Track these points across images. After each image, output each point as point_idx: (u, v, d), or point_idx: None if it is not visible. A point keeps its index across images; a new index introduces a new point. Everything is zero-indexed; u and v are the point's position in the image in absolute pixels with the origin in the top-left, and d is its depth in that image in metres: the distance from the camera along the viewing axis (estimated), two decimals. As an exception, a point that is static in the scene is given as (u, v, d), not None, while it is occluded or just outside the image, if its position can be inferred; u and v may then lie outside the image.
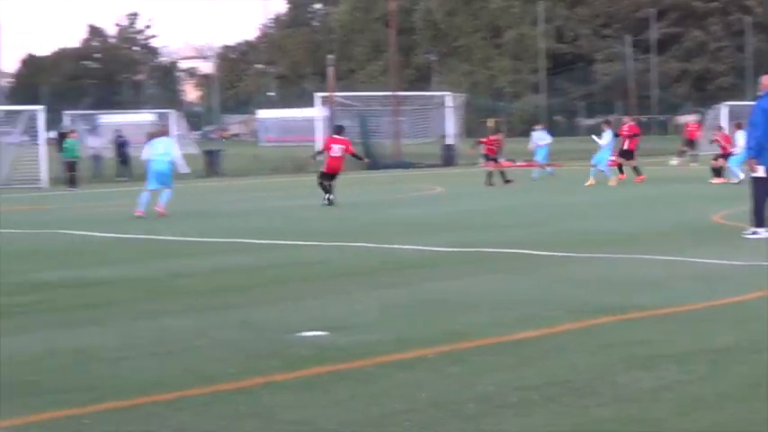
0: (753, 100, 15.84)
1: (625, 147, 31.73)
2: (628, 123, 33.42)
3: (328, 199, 23.48)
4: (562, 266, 12.68)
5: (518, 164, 39.98)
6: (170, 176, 21.86)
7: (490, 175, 30.89)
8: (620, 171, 31.08)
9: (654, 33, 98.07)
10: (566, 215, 20.37)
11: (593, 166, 30.68)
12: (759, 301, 9.77)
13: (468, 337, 8.27)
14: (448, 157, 48.54)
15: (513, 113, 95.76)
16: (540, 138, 37.13)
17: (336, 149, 24.26)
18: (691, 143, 46.13)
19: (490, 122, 52.99)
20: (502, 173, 31.41)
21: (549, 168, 36.44)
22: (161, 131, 24.64)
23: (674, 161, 44.12)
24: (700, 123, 50.29)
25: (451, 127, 51.24)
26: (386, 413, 6.23)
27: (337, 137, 24.85)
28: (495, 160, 31.88)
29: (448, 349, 7.89)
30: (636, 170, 30.90)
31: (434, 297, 10.40)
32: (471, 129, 66.14)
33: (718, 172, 29.74)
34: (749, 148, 15.47)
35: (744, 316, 9.04)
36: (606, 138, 31.10)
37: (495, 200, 25.31)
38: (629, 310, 9.30)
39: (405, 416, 6.16)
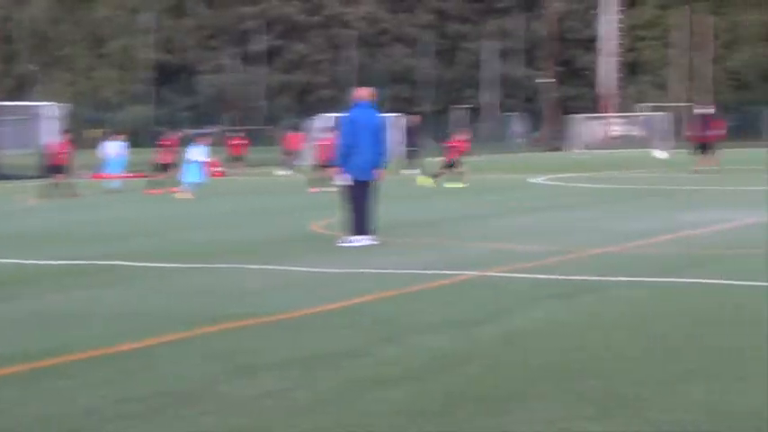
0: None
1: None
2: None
3: None
4: (164, 277, 12.68)
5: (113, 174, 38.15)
6: None
7: (56, 186, 30.26)
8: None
9: (259, 45, 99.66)
10: (168, 226, 20.34)
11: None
12: (354, 307, 10.18)
13: (71, 351, 8.13)
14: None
15: (118, 124, 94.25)
16: (113, 147, 36.48)
17: None
18: (291, 153, 47.40)
19: (94, 133, 51.88)
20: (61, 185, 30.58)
21: (116, 182, 35.44)
22: None
23: (282, 172, 45.09)
24: (302, 134, 51.66)
25: (52, 138, 49.68)
26: (-18, 434, 6.04)
27: None
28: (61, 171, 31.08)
29: (50, 364, 7.72)
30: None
31: (36, 311, 10.12)
32: (75, 140, 64.45)
33: (316, 182, 30.52)
34: (337, 157, 16.24)
35: (340, 322, 9.38)
36: (196, 152, 30.64)
37: (96, 212, 24.91)
38: (230, 319, 9.44)
39: (2, 436, 5.99)
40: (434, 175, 32.69)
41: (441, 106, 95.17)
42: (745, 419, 6.14)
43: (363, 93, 16.22)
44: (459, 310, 9.91)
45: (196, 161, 30.15)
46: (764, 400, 6.53)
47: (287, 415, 6.37)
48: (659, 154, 27.23)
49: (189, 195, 28.88)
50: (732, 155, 48.21)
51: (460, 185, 31.12)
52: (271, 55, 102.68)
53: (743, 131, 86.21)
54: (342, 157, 15.92)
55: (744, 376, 7.13)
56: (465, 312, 9.75)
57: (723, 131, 38.75)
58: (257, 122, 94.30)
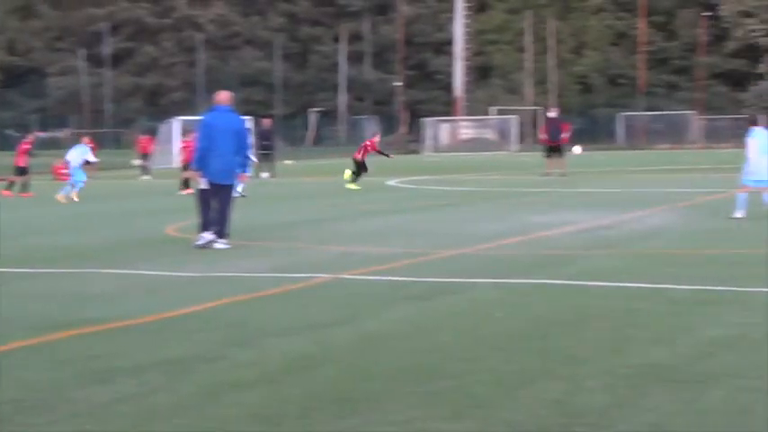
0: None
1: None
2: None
3: None
4: (16, 282, 12.39)
5: None
6: None
7: None
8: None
9: (108, 48, 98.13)
10: (21, 230, 19.88)
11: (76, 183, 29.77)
12: (209, 311, 10.11)
13: None
14: None
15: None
16: None
17: None
18: (145, 156, 46.83)
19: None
20: None
21: None
22: None
23: (146, 177, 44.58)
24: (153, 137, 51.05)
25: None
26: None
27: None
28: None
29: None
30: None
31: None
32: None
33: (186, 183, 30.11)
34: (194, 160, 16.22)
35: (195, 326, 9.31)
36: (79, 153, 30.54)
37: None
38: (82, 324, 9.28)
39: None
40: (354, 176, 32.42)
41: (294, 109, 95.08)
42: (596, 416, 6.29)
43: (222, 97, 16.21)
44: (313, 312, 9.92)
45: (81, 162, 30.03)
46: (613, 398, 6.71)
47: (143, 420, 6.29)
48: (575, 150, 27.54)
49: (75, 197, 28.65)
50: (580, 158, 49.40)
51: (356, 187, 31.01)
52: (121, 57, 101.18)
53: (589, 135, 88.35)
54: (198, 161, 15.91)
55: (592, 374, 7.30)
56: (320, 315, 9.77)
57: (569, 134, 39.61)
58: (107, 125, 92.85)
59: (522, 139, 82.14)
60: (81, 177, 29.96)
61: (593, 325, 9.14)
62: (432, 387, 6.99)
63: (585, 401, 6.60)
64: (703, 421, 6.18)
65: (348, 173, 32.23)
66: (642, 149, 77.07)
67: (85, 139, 32.37)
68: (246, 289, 11.41)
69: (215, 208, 15.67)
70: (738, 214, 18.97)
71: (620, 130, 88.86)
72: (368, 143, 33.52)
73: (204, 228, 15.65)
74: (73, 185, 29.66)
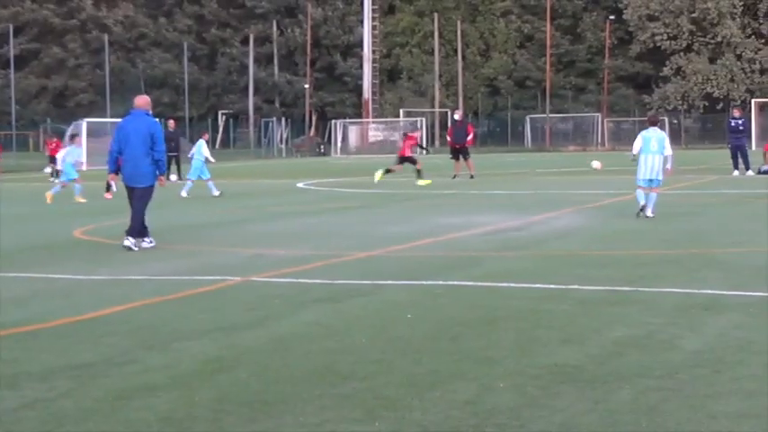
0: (114, 116, 16.47)
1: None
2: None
3: None
4: None
5: None
6: None
7: None
8: None
9: (12, 49, 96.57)
10: None
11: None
12: (118, 315, 10.01)
13: None
14: None
15: None
16: None
17: None
18: (53, 159, 46.12)
19: None
20: None
21: None
22: None
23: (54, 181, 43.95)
24: (59, 140, 50.33)
25: None
26: None
27: None
28: None
29: None
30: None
31: None
32: None
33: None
34: (108, 163, 16.58)
35: (105, 330, 9.21)
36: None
37: None
38: (-11, 330, 9.16)
39: None
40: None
41: (203, 111, 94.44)
42: (506, 417, 6.35)
43: (140, 101, 16.44)
44: (224, 315, 9.88)
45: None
46: (523, 398, 6.78)
47: (51, 426, 6.22)
48: (595, 164, 27.67)
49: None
50: (486, 159, 49.78)
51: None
52: (26, 59, 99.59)
53: (498, 137, 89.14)
54: (111, 163, 16.35)
55: (503, 375, 7.38)
56: (231, 318, 9.73)
57: (472, 136, 40.13)
58: (11, 128, 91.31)
59: (431, 141, 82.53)
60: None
61: (504, 326, 9.22)
62: (343, 389, 7.00)
63: (496, 402, 6.66)
64: (612, 420, 6.27)
65: (380, 173, 34.45)
66: (549, 152, 77.96)
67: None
68: (156, 292, 11.33)
69: (132, 209, 15.88)
70: (641, 207, 19.54)
71: (527, 132, 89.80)
72: (411, 137, 35.65)
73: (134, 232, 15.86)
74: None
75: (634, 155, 19.88)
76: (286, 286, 11.80)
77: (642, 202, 19.53)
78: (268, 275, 12.58)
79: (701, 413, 6.38)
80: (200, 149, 30.62)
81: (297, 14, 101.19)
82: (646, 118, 23.77)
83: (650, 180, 19.69)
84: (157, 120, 17.37)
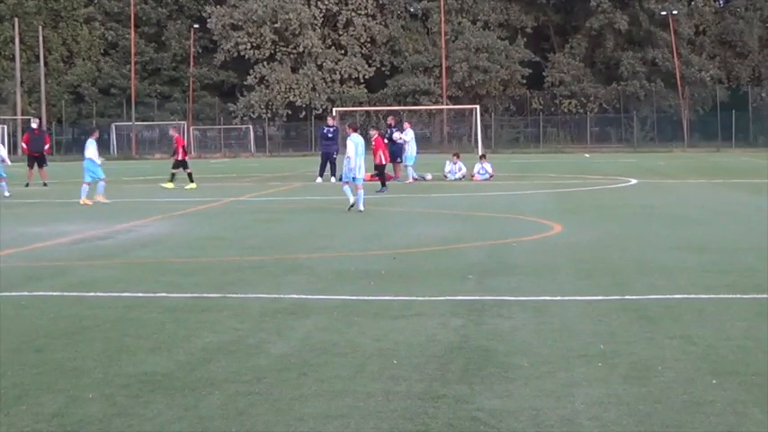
0: None
1: None
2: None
3: None
4: None
5: None
6: None
7: None
8: None
9: None
10: None
11: None
12: None
13: None
14: None
15: None
16: None
17: None
18: None
19: None
20: None
21: None
22: None
23: None
24: None
25: None
26: None
27: None
28: None
29: None
30: None
31: None
32: None
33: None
34: None
35: None
36: None
37: None
38: None
39: None
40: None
41: None
42: (96, 427, 6.26)
43: None
44: None
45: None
46: (112, 408, 6.71)
47: None
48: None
49: None
50: (63, 168, 48.66)
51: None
52: None
53: (81, 144, 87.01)
54: None
55: (91, 386, 7.26)
56: None
57: (49, 145, 39.93)
58: None
59: (12, 150, 79.62)
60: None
61: (91, 336, 9.08)
62: None
63: (84, 413, 6.56)
64: (202, 427, 6.33)
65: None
66: (135, 159, 77.29)
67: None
68: None
69: None
70: (351, 201, 22.63)
71: (113, 140, 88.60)
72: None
73: None
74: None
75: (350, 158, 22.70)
76: None
77: (351, 195, 22.64)
78: None
79: (288, 416, 6.56)
80: None
81: None
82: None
83: (358, 178, 22.75)
84: None
